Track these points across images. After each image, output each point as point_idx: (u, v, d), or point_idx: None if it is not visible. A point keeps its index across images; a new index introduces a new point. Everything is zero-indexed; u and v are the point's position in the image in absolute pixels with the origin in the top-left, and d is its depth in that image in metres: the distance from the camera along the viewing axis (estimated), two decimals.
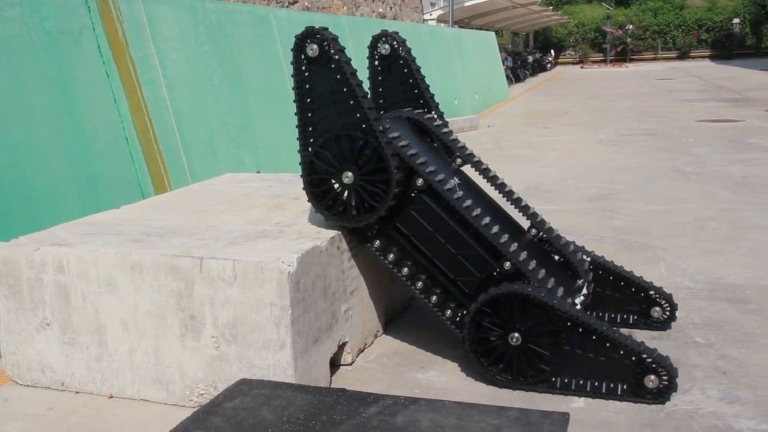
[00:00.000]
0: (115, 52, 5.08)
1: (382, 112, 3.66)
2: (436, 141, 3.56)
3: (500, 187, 3.52)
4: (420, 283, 3.22)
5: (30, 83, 4.32)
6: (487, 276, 3.13)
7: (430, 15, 26.51)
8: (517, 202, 3.49)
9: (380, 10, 17.46)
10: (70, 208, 4.30)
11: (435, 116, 3.63)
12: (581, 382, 2.96)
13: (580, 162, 8.72)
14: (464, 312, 3.15)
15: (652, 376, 2.86)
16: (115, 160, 4.82)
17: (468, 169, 3.54)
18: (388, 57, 3.71)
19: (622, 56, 47.35)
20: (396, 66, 3.70)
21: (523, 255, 3.09)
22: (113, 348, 3.03)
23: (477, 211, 3.14)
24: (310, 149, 3.20)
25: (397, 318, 3.85)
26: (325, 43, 3.09)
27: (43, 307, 3.09)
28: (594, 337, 2.91)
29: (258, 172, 6.20)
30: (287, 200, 3.82)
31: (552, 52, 44.21)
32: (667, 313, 3.60)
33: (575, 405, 2.88)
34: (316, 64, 3.12)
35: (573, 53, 49.47)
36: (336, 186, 3.19)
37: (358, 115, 3.10)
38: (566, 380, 2.98)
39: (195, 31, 5.98)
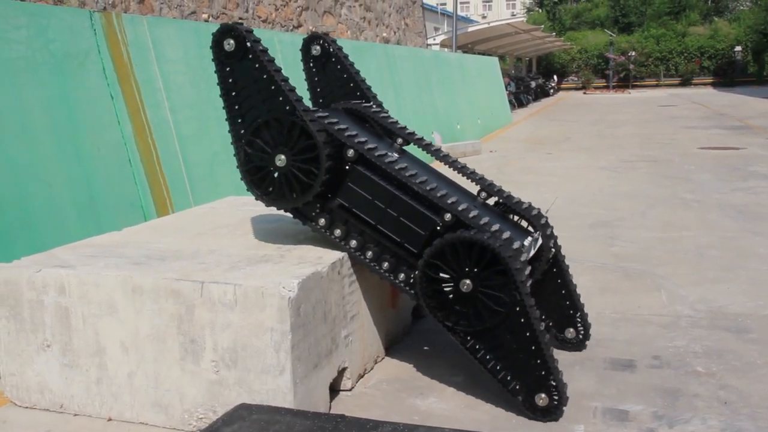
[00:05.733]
0: (119, 74, 5.11)
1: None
2: (376, 126, 3.65)
3: (444, 158, 3.62)
4: (370, 253, 3.28)
5: (34, 104, 4.35)
6: (431, 232, 3.18)
7: (434, 40, 26.71)
8: (463, 170, 3.58)
9: (384, 34, 17.57)
10: (72, 230, 4.31)
11: (372, 105, 3.73)
12: (488, 357, 3.05)
13: (581, 188, 8.73)
14: (416, 272, 3.19)
15: (543, 395, 2.96)
16: (117, 182, 4.84)
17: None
18: (320, 57, 3.82)
19: (625, 82, 47.53)
20: (329, 64, 3.82)
21: (463, 205, 3.16)
22: (113, 371, 3.02)
23: (411, 172, 3.22)
24: (242, 140, 3.28)
25: (398, 343, 3.84)
26: (241, 36, 3.21)
27: (44, 328, 3.09)
28: (528, 334, 2.97)
29: None
30: (289, 224, 3.83)
31: (555, 77, 44.43)
32: (579, 338, 3.69)
33: None
34: (235, 58, 3.24)
35: (576, 79, 49.67)
36: (272, 170, 3.25)
37: (281, 99, 3.19)
38: (478, 347, 3.06)
39: (199, 54, 6.02)
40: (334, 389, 3.25)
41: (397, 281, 3.27)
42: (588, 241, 6.01)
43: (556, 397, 2.96)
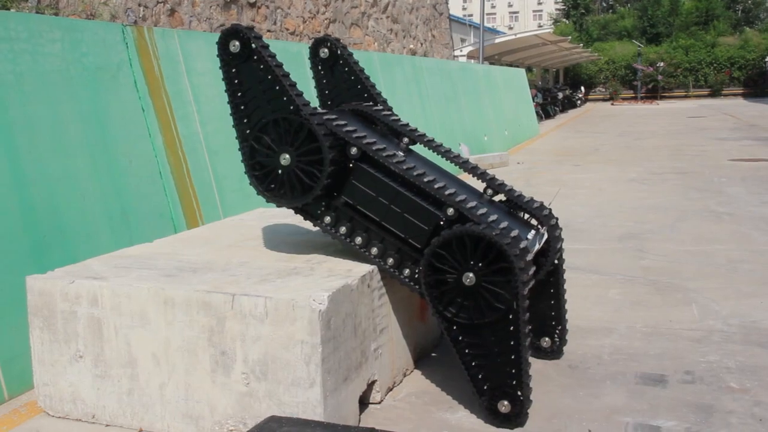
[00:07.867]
0: (150, 87, 5.17)
1: None
2: (383, 126, 3.67)
3: (446, 154, 3.64)
4: (375, 249, 3.30)
5: (67, 117, 4.40)
6: (435, 227, 3.19)
7: (461, 51, 26.73)
8: (464, 165, 3.59)
9: (411, 46, 17.62)
10: (104, 241, 4.35)
11: (379, 106, 3.75)
12: (467, 350, 3.09)
13: (609, 200, 8.67)
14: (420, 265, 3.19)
15: (507, 402, 3.01)
16: (148, 194, 4.88)
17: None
18: (328, 59, 3.86)
19: (653, 93, 47.20)
20: (337, 67, 3.85)
21: (462, 197, 3.17)
22: (144, 382, 3.05)
23: (410, 165, 3.25)
24: (248, 140, 3.33)
25: (427, 356, 3.83)
26: (245, 37, 3.26)
27: (77, 339, 3.12)
28: (512, 343, 2.99)
29: None
30: (318, 236, 3.84)
31: (582, 88, 44.19)
32: (553, 349, 3.73)
33: None
34: (240, 59, 3.29)
35: (603, 90, 49.39)
36: (277, 169, 3.29)
37: (285, 99, 3.24)
38: (461, 338, 3.09)
39: None
40: (364, 402, 3.25)
41: (402, 277, 3.29)
42: (617, 254, 5.96)
43: (518, 407, 3.01)
